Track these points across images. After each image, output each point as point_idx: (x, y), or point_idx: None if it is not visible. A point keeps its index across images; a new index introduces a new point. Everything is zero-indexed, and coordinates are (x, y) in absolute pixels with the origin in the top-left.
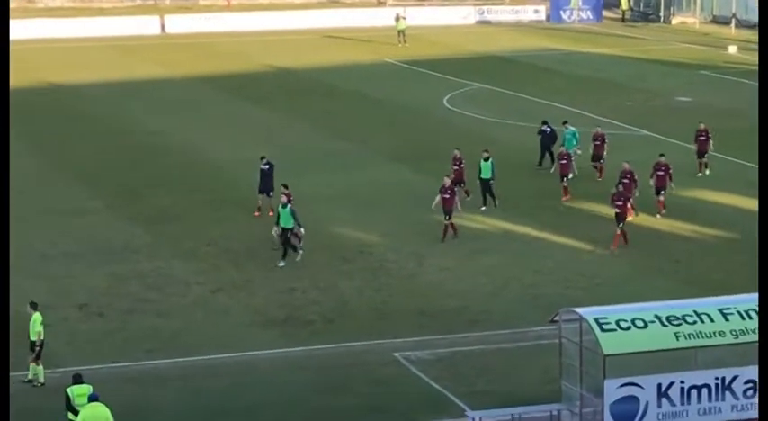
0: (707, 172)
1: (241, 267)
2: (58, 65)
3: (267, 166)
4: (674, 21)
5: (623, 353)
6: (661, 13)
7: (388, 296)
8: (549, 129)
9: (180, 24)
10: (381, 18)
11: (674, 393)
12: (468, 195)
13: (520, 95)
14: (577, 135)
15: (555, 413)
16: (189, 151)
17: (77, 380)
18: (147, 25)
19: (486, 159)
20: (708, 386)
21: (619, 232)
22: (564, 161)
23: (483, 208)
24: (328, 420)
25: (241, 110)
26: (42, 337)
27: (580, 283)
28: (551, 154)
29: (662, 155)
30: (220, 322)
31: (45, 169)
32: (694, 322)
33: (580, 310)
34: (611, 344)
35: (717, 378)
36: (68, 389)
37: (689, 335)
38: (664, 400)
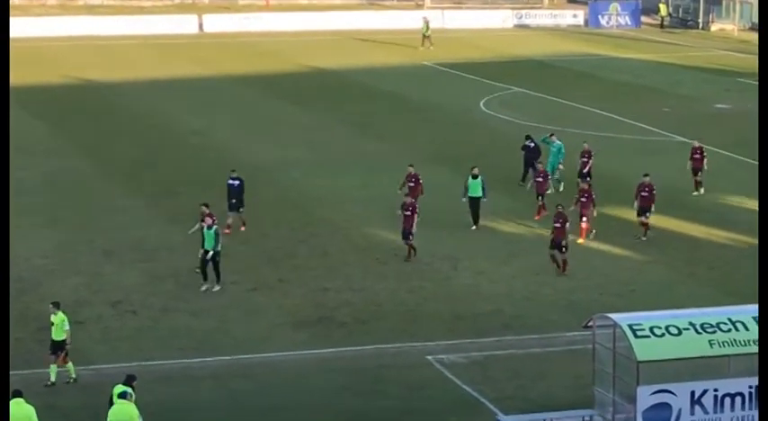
0: (701, 191)
1: (275, 267)
2: (96, 63)
3: (237, 182)
4: (713, 28)
5: (657, 359)
6: (700, 20)
7: (422, 298)
8: (532, 144)
9: (218, 24)
10: (419, 20)
11: (708, 401)
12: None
13: (557, 100)
14: (563, 150)
15: (587, 419)
16: (225, 150)
17: (126, 380)
18: (185, 24)
19: (475, 177)
20: (741, 394)
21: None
22: (540, 179)
23: (473, 227)
24: None
25: (278, 109)
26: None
27: (614, 290)
28: (534, 169)
29: (646, 175)
30: (253, 322)
31: (83, 166)
32: (729, 330)
33: (614, 316)
34: (644, 350)
35: (750, 386)
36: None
37: (723, 342)
38: (697, 408)
